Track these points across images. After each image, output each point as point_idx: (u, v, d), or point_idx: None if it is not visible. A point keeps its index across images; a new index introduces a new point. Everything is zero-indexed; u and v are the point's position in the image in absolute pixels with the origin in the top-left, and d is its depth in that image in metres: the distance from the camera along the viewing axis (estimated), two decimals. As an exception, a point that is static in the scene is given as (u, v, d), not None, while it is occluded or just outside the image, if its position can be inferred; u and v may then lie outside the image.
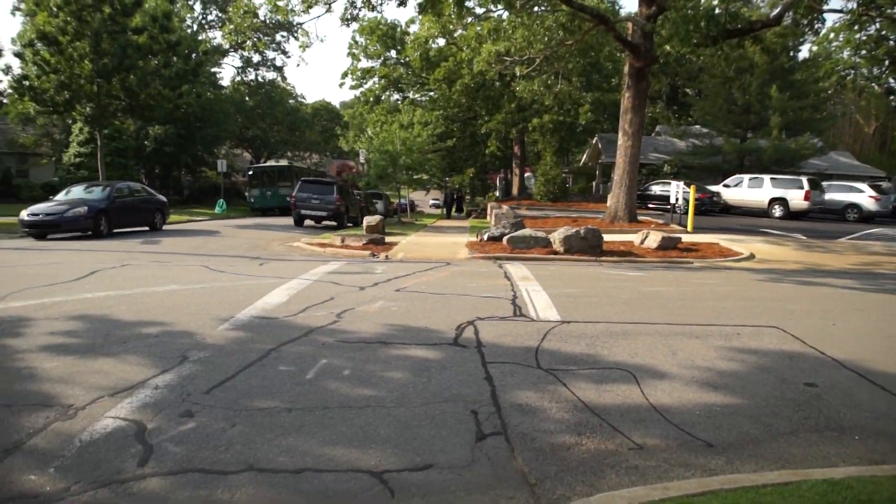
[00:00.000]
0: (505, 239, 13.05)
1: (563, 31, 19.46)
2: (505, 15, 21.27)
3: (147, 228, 19.20)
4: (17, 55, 23.75)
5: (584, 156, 45.26)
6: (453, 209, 42.19)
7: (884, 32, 19.00)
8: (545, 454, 3.84)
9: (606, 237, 14.93)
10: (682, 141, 37.68)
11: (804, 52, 64.68)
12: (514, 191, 41.27)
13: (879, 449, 4.07)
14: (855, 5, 16.03)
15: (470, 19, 22.12)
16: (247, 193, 36.37)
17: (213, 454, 3.63)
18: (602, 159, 38.57)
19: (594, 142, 39.91)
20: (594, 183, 44.73)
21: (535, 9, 19.12)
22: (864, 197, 27.62)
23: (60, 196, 17.98)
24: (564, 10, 18.37)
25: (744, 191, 28.54)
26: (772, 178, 27.76)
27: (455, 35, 31.48)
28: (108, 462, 3.50)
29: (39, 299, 7.51)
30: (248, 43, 44.88)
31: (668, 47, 16.34)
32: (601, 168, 41.38)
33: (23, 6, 27.09)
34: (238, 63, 57.34)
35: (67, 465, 3.45)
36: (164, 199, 21.25)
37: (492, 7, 19.27)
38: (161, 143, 38.55)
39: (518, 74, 21.82)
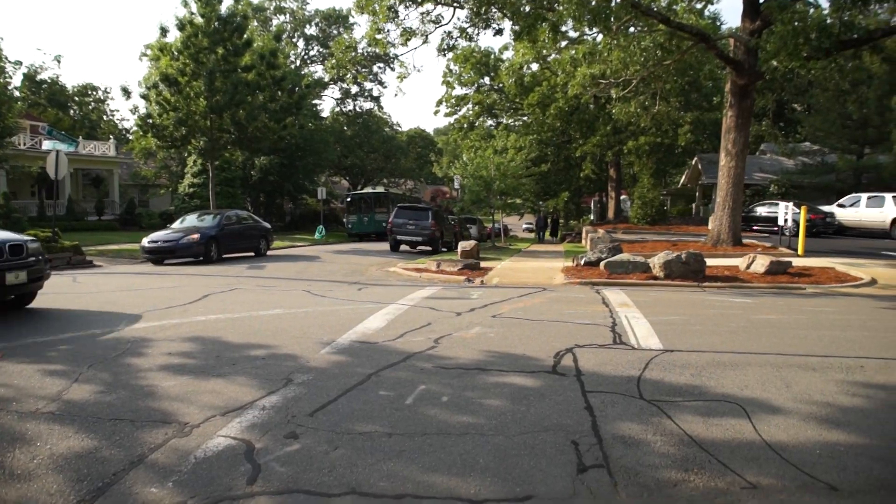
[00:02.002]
0: (602, 264, 12.77)
1: (661, 51, 19.02)
2: (600, 37, 21.12)
3: (252, 254, 20.19)
4: (143, 97, 25.83)
5: (683, 177, 43.82)
6: (547, 233, 41.79)
7: None
8: (650, 489, 3.68)
9: (709, 261, 14.32)
10: (790, 159, 35.79)
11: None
12: (610, 214, 40.46)
13: None
14: None
15: (564, 43, 22.07)
16: (344, 219, 37.64)
17: (317, 476, 3.71)
18: (702, 180, 37.20)
19: (694, 162, 38.59)
20: (694, 205, 43.16)
21: (632, 30, 18.83)
22: None
23: (176, 224, 19.27)
24: (662, 30, 17.97)
25: (861, 211, 26.64)
26: (895, 197, 25.76)
27: (549, 59, 31.50)
28: (220, 479, 3.66)
29: (159, 321, 8.03)
30: (349, 76, 46.75)
31: (774, 62, 15.60)
32: (701, 189, 39.90)
33: (149, 52, 29.50)
34: (337, 94, 59.82)
35: (184, 481, 3.63)
36: (268, 225, 22.32)
37: (587, 30, 19.12)
38: (266, 173, 40.65)
39: (614, 97, 21.50)
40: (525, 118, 42.21)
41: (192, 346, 6.69)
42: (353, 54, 22.09)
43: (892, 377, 5.76)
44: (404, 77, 34.92)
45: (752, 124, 31.02)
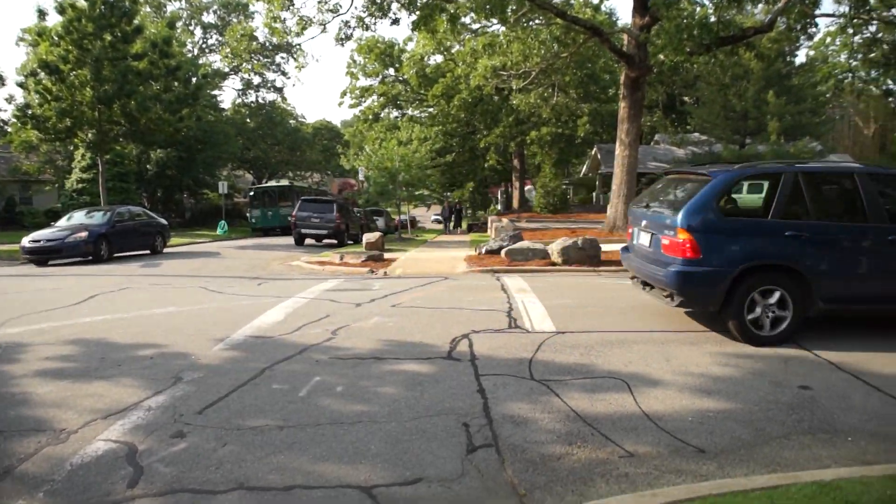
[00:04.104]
0: (503, 252, 13.07)
1: (558, 44, 19.60)
2: (501, 30, 21.49)
3: (148, 252, 19.28)
4: (20, 85, 24.03)
5: (585, 167, 45.37)
6: (451, 224, 42.23)
7: (879, 35, 19.02)
8: (535, 465, 3.83)
9: (605, 247, 14.92)
10: (681, 149, 37.75)
11: (801, 58, 64.93)
12: (515, 203, 41.38)
13: (871, 450, 4.06)
14: (847, 9, 16.10)
15: (468, 35, 22.30)
16: (248, 214, 36.53)
17: (204, 474, 3.63)
18: (601, 170, 38.63)
19: (593, 152, 40.01)
20: (595, 193, 44.80)
21: (530, 23, 19.28)
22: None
23: (62, 222, 18.09)
24: (559, 24, 18.50)
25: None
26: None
27: (452, 51, 31.73)
28: (97, 485, 3.51)
29: (37, 325, 7.55)
30: (246, 65, 45.32)
31: (661, 57, 16.42)
32: (601, 178, 41.44)
33: (26, 37, 27.47)
34: (238, 85, 57.85)
35: (57, 489, 3.46)
36: (164, 222, 21.34)
37: (486, 22, 19.40)
38: (163, 167, 38.83)
39: (515, 88, 21.97)
40: (430, 109, 42.42)
41: (74, 349, 6.34)
42: (251, 43, 21.34)
43: (759, 347, 6.23)
44: (302, 67, 34.23)
45: (645, 116, 32.50)
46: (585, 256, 12.41)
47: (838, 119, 56.42)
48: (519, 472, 3.74)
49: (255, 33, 41.40)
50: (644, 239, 7.32)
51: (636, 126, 18.54)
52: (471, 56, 21.26)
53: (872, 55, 17.89)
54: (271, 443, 4.08)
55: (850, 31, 18.25)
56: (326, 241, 23.62)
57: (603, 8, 37.78)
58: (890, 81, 50.90)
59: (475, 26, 22.44)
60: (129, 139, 27.20)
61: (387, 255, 16.20)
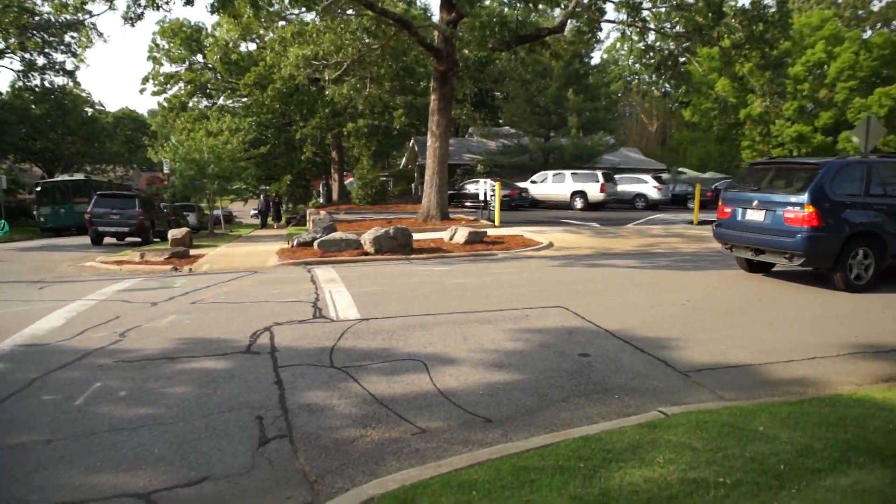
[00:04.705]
0: (316, 243, 12.88)
1: (369, 36, 19.62)
2: (311, 18, 21.04)
3: None
4: None
5: (404, 159, 46.08)
6: (269, 218, 40.76)
7: (657, 44, 21.24)
8: (328, 450, 3.82)
9: (419, 236, 15.30)
10: (493, 142, 39.69)
11: (597, 59, 71.13)
12: (335, 196, 40.95)
13: (633, 403, 4.54)
14: (625, 17, 17.82)
15: (282, 23, 21.54)
16: (35, 212, 32.54)
17: (-56, 503, 3.18)
18: (419, 161, 39.46)
19: (411, 144, 40.75)
20: (413, 185, 45.67)
21: (340, 13, 19.07)
22: (649, 187, 30.93)
23: None
24: (369, 15, 18.51)
25: (549, 186, 30.61)
26: (572, 174, 30.06)
27: (266, 39, 30.50)
28: None
29: None
30: (14, 41, 39.92)
31: (466, 51, 17.07)
32: (418, 170, 42.29)
33: None
34: (18, 66, 51.04)
35: None
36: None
37: (293, 10, 18.87)
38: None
39: (328, 79, 21.63)
40: (245, 99, 40.51)
41: None
42: (21, 16, 18.79)
43: (548, 322, 6.73)
44: (87, 46, 30.97)
45: (456, 108, 33.61)
46: (398, 245, 12.60)
47: (628, 116, 62.71)
48: (312, 460, 3.71)
49: (25, 4, 36.55)
50: (756, 215, 9.24)
51: (446, 118, 19.13)
52: (279, 44, 20.56)
53: (648, 61, 19.92)
54: (36, 459, 3.68)
55: (635, 38, 20.19)
56: (130, 239, 21.73)
57: (419, 2, 38.67)
58: (667, 85, 57.54)
59: (286, 13, 21.81)
60: None
61: (195, 252, 15.29)
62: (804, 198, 8.45)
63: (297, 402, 4.53)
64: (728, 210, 9.83)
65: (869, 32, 43.93)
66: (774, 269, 10.16)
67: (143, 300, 8.35)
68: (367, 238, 12.58)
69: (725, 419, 3.94)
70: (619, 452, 3.47)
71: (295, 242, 14.08)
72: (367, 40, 19.81)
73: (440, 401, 4.59)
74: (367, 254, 12.40)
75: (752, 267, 10.11)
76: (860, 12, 49.56)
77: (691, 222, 21.07)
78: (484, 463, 3.43)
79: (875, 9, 49.12)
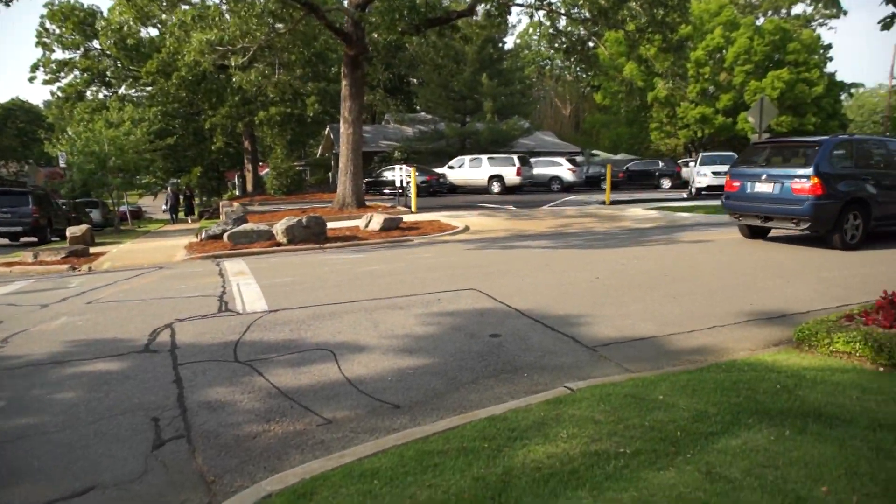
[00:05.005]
0: (226, 235, 12.40)
1: (275, 19, 19.00)
2: (213, 1, 20.14)
3: None
4: None
5: (320, 147, 45.18)
6: (181, 212, 39.13)
7: (569, 28, 21.57)
8: (229, 448, 3.66)
9: (334, 224, 15.04)
10: (410, 128, 39.50)
11: (510, 44, 71.87)
12: (249, 187, 39.71)
13: (542, 381, 4.58)
14: (533, 0, 17.99)
15: (185, 7, 20.47)
16: None
17: None
18: (335, 149, 38.80)
19: (326, 132, 39.97)
20: (330, 174, 44.92)
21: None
22: (564, 170, 31.59)
23: None
24: (273, -2, 17.91)
25: (466, 171, 30.77)
26: (489, 158, 30.32)
27: (168, 24, 28.98)
28: None
29: None
30: None
31: (376, 35, 16.81)
32: (335, 158, 41.51)
33: None
34: None
35: None
36: None
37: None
38: None
39: (234, 65, 20.80)
40: (149, 88, 38.50)
41: None
42: None
43: (460, 304, 6.71)
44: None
45: (369, 94, 33.17)
46: (311, 234, 12.32)
47: (542, 100, 63.81)
48: (210, 459, 3.54)
49: None
50: (765, 187, 10.55)
51: (359, 104, 18.84)
52: (180, 29, 19.59)
53: (558, 45, 20.23)
54: None
55: (548, 22, 20.40)
56: (25, 239, 20.33)
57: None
58: (579, 69, 58.85)
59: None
60: None
61: (96, 250, 14.46)
62: (810, 171, 9.89)
63: (196, 400, 4.32)
64: (737, 184, 11.17)
65: (762, 19, 46.21)
66: (709, 241, 10.89)
67: (32, 302, 7.80)
68: (279, 228, 12.23)
69: (628, 390, 4.02)
70: (523, 430, 3.47)
71: (204, 235, 13.52)
72: (273, 24, 19.15)
73: (348, 390, 4.48)
74: (279, 244, 12.06)
75: (753, 233, 11.64)
76: (753, 0, 52.16)
77: (604, 202, 21.67)
78: (388, 450, 3.36)
79: (766, -3, 51.85)
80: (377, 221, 13.71)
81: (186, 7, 20.61)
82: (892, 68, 45.54)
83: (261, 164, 44.76)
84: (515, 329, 5.81)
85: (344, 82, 18.71)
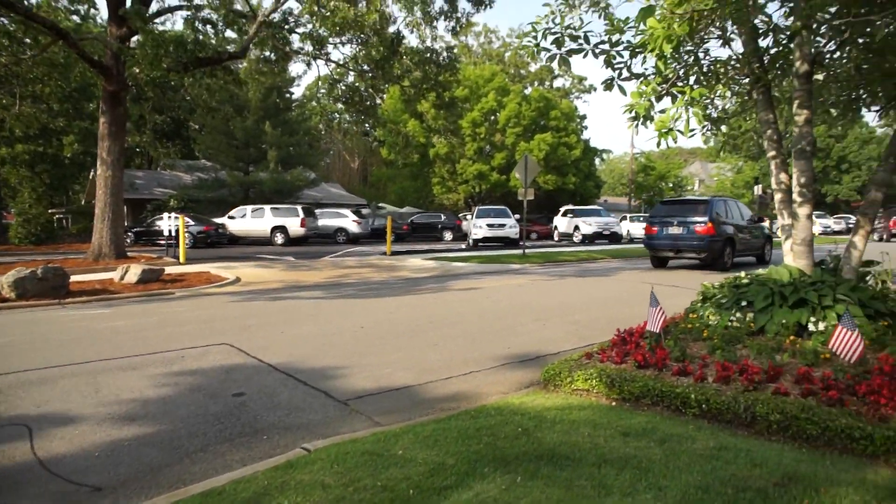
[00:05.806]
0: (-67, 291, 10.25)
1: (16, 44, 16.78)
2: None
3: None
4: None
5: (86, 193, 40.65)
6: None
7: (348, 78, 21.66)
8: None
9: (84, 277, 13.34)
10: (189, 175, 37.15)
11: (298, 94, 71.46)
12: (-10, 236, 34.25)
13: (283, 443, 4.13)
14: (311, 48, 17.88)
15: None
16: None
17: None
18: (100, 195, 35.11)
19: (92, 177, 36.11)
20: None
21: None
22: (349, 221, 31.65)
23: None
24: (14, 17, 15.79)
25: (248, 221, 29.49)
26: (272, 208, 29.38)
27: None
28: None
29: None
30: None
31: (136, 70, 15.48)
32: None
33: None
34: None
35: None
36: None
37: None
38: None
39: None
40: None
41: None
42: None
43: (207, 361, 6.04)
44: None
45: (134, 135, 30.59)
46: (49, 287, 10.64)
47: (331, 153, 64.00)
48: None
49: None
50: (676, 230, 15.64)
51: (119, 144, 17.13)
52: None
53: (336, 94, 20.36)
54: None
55: (326, 70, 20.38)
56: None
57: (98, 19, 34.43)
58: (367, 125, 60.15)
59: None
60: None
61: None
62: (706, 218, 15.17)
63: None
64: (655, 229, 16.16)
65: (529, 89, 51.17)
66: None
67: None
68: (5, 281, 10.40)
69: (369, 447, 3.72)
70: (239, 505, 2.99)
71: None
72: (13, 48, 16.87)
73: (36, 474, 3.65)
74: (5, 300, 10.24)
75: (659, 264, 16.75)
76: (521, 71, 57.79)
77: (384, 253, 21.85)
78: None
79: (532, 70, 57.70)
80: (134, 273, 12.31)
81: None
82: (632, 139, 52.56)
83: (11, 210, 38.94)
84: (264, 386, 5.31)
85: (102, 119, 16.95)
